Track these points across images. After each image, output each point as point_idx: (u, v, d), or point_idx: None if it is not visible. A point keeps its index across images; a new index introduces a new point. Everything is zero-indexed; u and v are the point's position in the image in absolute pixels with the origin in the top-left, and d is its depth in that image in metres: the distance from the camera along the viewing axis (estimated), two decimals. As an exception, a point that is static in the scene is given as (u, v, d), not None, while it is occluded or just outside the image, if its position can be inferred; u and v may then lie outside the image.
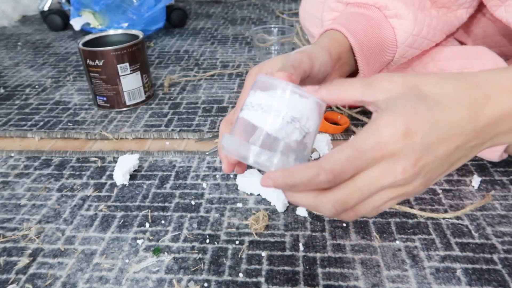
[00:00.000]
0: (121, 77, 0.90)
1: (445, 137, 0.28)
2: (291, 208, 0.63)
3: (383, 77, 0.31)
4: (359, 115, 0.86)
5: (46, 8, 1.57)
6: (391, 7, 0.54)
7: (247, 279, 0.52)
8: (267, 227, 0.60)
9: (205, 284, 0.51)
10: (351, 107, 0.89)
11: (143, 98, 0.96)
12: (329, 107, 0.92)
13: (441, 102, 0.28)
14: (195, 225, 0.61)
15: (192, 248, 0.57)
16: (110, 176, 0.72)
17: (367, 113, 0.88)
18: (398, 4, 0.54)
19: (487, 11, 0.67)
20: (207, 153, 0.77)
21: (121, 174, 0.69)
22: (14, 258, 0.56)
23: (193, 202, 0.65)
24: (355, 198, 0.29)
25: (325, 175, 0.28)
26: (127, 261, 0.55)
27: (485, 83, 0.29)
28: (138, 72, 0.92)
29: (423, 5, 0.58)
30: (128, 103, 0.94)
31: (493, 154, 0.65)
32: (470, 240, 0.56)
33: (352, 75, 0.52)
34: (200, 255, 0.55)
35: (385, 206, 0.30)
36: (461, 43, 0.74)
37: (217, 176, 0.71)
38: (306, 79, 0.39)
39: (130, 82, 0.92)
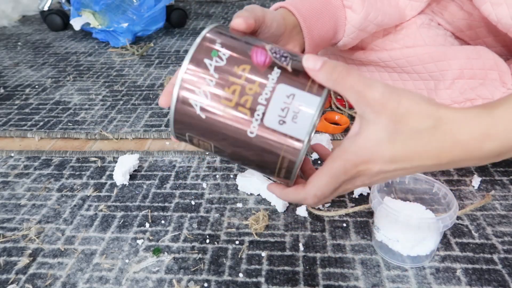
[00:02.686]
0: None
1: (400, 167, 0.35)
2: (291, 208, 0.63)
3: (379, 97, 0.33)
4: (359, 115, 0.86)
5: (46, 8, 1.57)
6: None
7: (247, 279, 0.52)
8: (267, 227, 0.60)
9: (205, 284, 0.51)
10: (350, 107, 0.89)
11: None
12: (329, 107, 0.92)
13: (411, 145, 0.34)
14: (195, 225, 0.61)
15: (192, 248, 0.57)
16: (110, 176, 0.72)
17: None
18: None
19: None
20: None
21: (121, 174, 0.69)
22: (14, 258, 0.56)
23: (193, 202, 0.65)
24: (331, 197, 0.40)
25: (311, 199, 0.38)
26: (127, 261, 0.55)
27: (458, 131, 0.33)
28: None
29: None
30: None
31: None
32: (470, 240, 0.56)
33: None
34: (200, 255, 0.55)
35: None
36: (466, 43, 0.73)
37: (217, 176, 0.71)
38: (261, 30, 0.44)
39: None
